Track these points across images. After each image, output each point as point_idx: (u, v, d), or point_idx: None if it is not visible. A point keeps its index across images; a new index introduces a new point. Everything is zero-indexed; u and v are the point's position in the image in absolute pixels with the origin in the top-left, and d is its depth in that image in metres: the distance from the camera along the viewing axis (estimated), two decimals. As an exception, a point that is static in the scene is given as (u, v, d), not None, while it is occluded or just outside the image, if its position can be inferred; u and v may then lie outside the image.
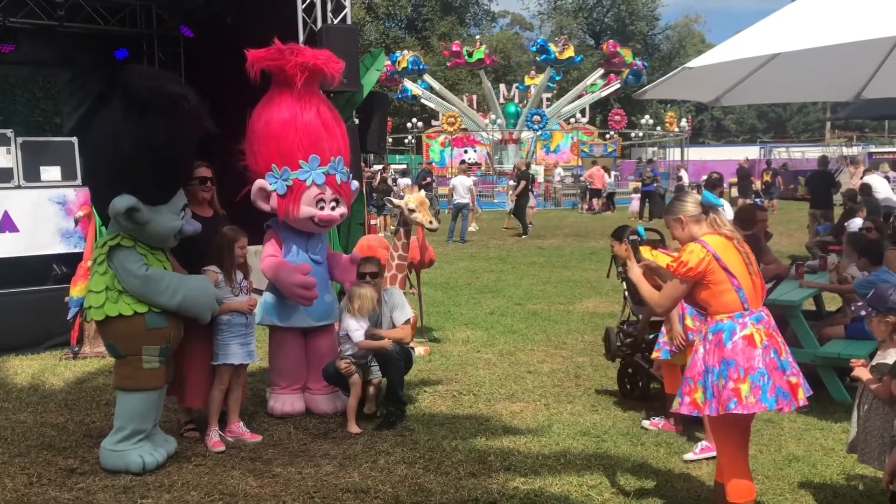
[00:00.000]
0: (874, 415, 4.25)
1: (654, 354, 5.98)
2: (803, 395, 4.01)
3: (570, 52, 39.24)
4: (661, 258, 5.89)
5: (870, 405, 4.28)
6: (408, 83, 40.84)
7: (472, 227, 23.15)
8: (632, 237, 4.53)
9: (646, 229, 6.92)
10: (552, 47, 39.07)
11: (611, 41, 43.81)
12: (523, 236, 21.22)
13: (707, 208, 4.15)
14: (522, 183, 21.98)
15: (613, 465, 5.22)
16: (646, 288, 4.25)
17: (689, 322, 5.80)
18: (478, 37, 44.27)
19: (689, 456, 5.44)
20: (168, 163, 5.07)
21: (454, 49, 41.14)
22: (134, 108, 4.98)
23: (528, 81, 43.92)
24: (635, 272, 4.33)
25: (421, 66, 39.54)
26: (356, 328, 6.07)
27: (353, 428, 5.95)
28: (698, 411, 4.08)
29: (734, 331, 3.96)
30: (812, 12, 5.64)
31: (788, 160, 43.62)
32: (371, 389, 6.27)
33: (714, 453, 5.08)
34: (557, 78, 43.38)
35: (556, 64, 39.99)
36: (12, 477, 5.10)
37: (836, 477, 5.02)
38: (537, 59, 41.45)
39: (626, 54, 40.14)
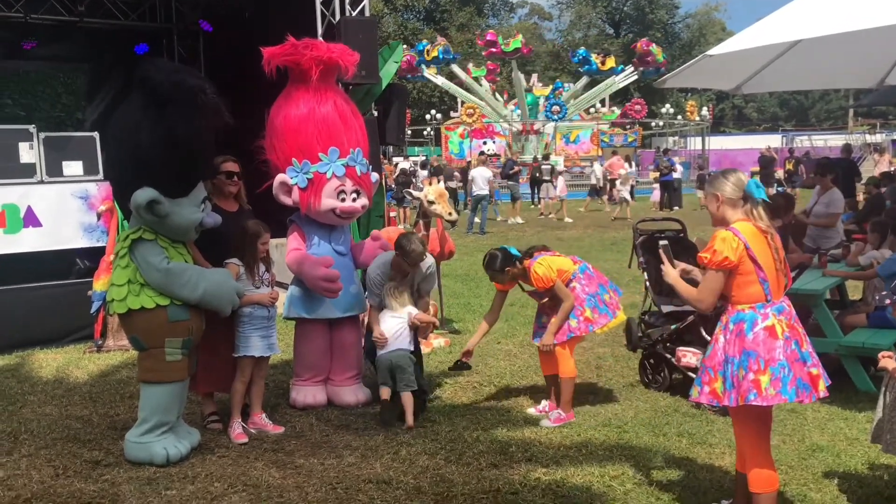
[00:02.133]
0: (900, 404, 4.20)
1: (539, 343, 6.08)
2: (823, 386, 3.96)
3: (611, 63, 39.09)
4: (554, 261, 5.92)
5: (895, 395, 4.23)
6: (428, 73, 40.83)
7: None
8: (662, 243, 4.46)
9: (665, 219, 6.88)
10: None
11: (644, 39, 43.50)
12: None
13: (748, 197, 4.02)
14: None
15: (635, 456, 5.20)
16: (684, 288, 4.13)
17: (588, 314, 5.92)
18: (492, 28, 43.94)
19: (545, 423, 5.83)
20: (187, 155, 5.09)
21: (489, 38, 40.77)
22: (153, 102, 5.01)
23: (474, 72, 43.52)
24: (672, 275, 4.24)
25: (452, 56, 39.44)
26: (399, 324, 6.09)
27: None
28: (717, 401, 4.04)
29: (755, 321, 3.91)
30: (834, -2, 5.59)
31: (811, 148, 43.26)
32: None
33: (569, 421, 5.85)
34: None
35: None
36: (38, 469, 5.16)
37: (860, 467, 4.98)
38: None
39: (658, 52, 39.95)
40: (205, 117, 5.10)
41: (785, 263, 4.09)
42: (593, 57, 39.61)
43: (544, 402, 6.23)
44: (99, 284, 8.18)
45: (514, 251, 6.02)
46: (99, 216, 8.98)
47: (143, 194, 5.01)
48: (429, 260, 6.41)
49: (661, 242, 4.47)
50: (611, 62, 39.63)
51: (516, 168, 24.85)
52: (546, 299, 6.10)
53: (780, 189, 22.74)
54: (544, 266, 5.88)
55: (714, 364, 4.05)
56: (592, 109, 44.39)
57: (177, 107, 4.98)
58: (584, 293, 5.96)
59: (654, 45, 41.09)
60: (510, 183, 24.42)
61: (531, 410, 6.20)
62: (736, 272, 3.94)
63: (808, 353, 3.97)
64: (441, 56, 38.63)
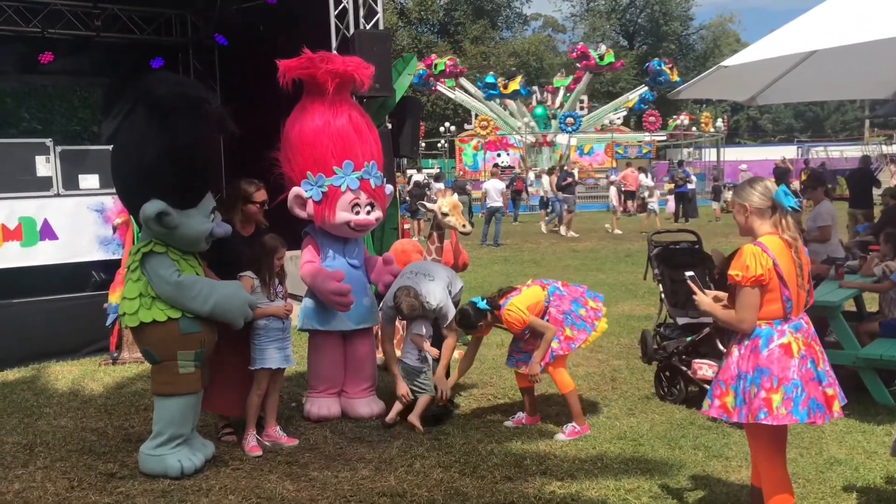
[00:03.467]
0: (919, 418, 4.16)
1: (523, 370, 6.05)
2: (839, 406, 3.88)
3: (514, 86, 38.86)
4: (522, 300, 5.93)
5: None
6: (442, 88, 40.99)
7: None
8: (688, 274, 4.41)
9: (680, 231, 6.83)
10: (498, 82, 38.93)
11: (580, 44, 43.32)
12: None
13: (777, 206, 3.94)
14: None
15: (651, 469, 5.17)
16: (722, 313, 4.04)
17: (568, 332, 5.95)
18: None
19: (559, 437, 5.81)
20: (193, 165, 5.12)
21: (427, 62, 40.87)
22: (156, 114, 5.03)
23: (556, 82, 43.60)
24: (706, 303, 4.15)
25: (431, 84, 39.58)
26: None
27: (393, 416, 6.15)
28: (728, 416, 3.96)
29: (771, 338, 3.85)
30: (849, 8, 5.55)
31: (827, 159, 43.04)
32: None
33: (584, 434, 5.85)
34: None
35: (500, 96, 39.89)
36: (54, 481, 5.17)
37: (878, 481, 4.93)
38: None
39: (607, 54, 39.26)
40: (208, 127, 5.13)
41: (808, 280, 4.00)
42: (497, 81, 39.33)
43: (520, 414, 6.26)
44: (114, 297, 8.20)
45: (481, 304, 6.00)
46: (115, 229, 9.03)
47: (152, 206, 5.02)
48: (438, 300, 6.28)
49: (688, 274, 4.39)
50: (514, 84, 39.01)
51: (569, 179, 23.95)
52: (528, 335, 6.09)
53: (798, 201, 22.59)
54: (514, 310, 5.88)
55: (727, 378, 3.98)
56: (607, 122, 44.32)
57: (180, 118, 5.01)
58: (560, 313, 6.00)
59: (594, 47, 40.67)
60: (564, 195, 23.68)
61: (508, 423, 6.19)
62: (764, 288, 3.87)
63: (824, 372, 3.89)
64: (524, 92, 38.65)
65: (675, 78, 38.36)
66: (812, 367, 3.85)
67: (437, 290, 6.30)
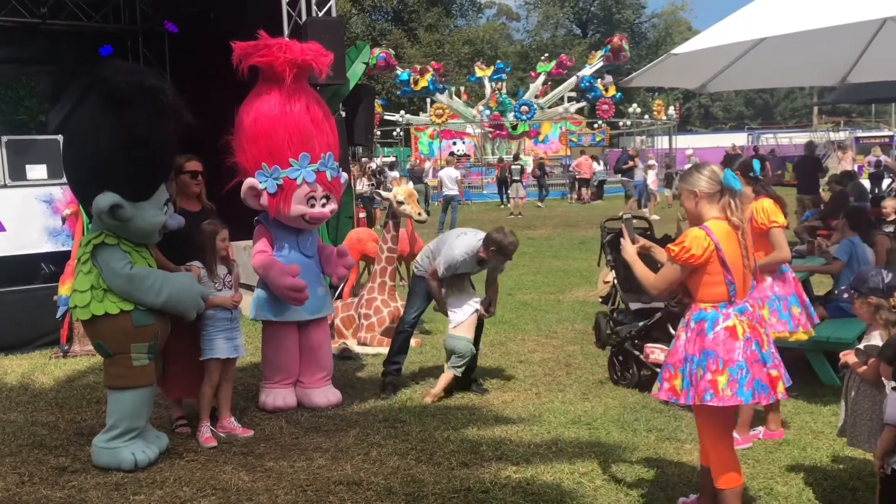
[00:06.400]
0: (862, 398, 4.25)
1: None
2: (783, 388, 3.99)
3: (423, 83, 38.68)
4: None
5: (857, 389, 4.28)
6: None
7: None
8: (625, 216, 4.45)
9: (634, 217, 6.92)
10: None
11: (619, 35, 43.25)
12: None
13: (725, 189, 3.99)
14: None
15: (605, 453, 5.23)
16: (640, 269, 4.14)
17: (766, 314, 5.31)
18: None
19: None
20: (148, 157, 5.04)
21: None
22: (112, 104, 4.94)
23: (478, 73, 43.42)
24: (630, 252, 4.23)
25: (442, 87, 38.91)
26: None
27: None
28: (676, 398, 4.04)
29: (717, 321, 3.92)
30: (797, -3, 5.65)
31: (776, 146, 43.73)
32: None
33: (746, 445, 5.20)
34: (506, 70, 43.06)
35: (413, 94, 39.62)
36: (3, 476, 5.09)
37: (825, 459, 5.05)
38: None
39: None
40: (165, 118, 5.05)
41: (753, 261, 4.09)
42: (410, 77, 39.15)
43: (759, 428, 5.43)
44: (64, 289, 8.08)
45: (757, 167, 5.51)
46: (64, 220, 8.90)
47: (105, 199, 4.95)
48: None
49: (625, 215, 4.46)
50: (423, 81, 38.66)
51: (630, 163, 23.36)
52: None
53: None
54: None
55: (675, 361, 4.06)
56: (561, 109, 44.44)
57: (136, 108, 4.93)
58: (773, 292, 5.47)
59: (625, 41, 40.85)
60: (623, 178, 23.14)
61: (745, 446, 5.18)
62: (704, 271, 3.93)
63: (768, 354, 3.98)
64: (432, 87, 37.98)
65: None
66: (757, 348, 3.94)
67: None
